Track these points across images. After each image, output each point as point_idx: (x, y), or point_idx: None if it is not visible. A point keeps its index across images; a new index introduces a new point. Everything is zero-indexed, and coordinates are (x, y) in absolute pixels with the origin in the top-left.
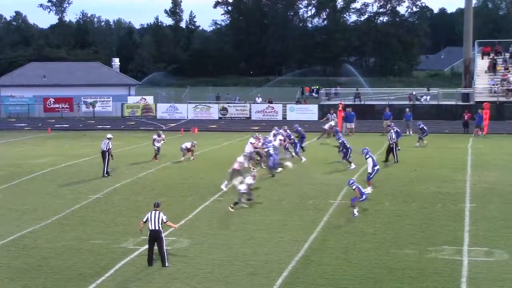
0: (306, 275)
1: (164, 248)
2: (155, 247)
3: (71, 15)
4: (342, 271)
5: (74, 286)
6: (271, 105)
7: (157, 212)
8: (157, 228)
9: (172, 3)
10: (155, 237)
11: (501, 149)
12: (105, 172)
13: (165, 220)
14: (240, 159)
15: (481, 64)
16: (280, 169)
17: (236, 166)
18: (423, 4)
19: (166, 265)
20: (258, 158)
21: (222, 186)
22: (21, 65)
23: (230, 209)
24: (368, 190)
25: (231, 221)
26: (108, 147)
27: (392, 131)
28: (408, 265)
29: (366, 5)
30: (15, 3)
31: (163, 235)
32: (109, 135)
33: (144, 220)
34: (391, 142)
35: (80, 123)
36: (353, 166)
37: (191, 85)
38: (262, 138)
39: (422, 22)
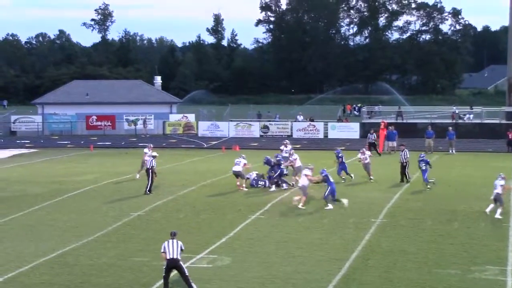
0: None
1: (187, 274)
2: (174, 277)
3: (114, 33)
4: None
5: None
6: (312, 123)
7: (175, 241)
8: (175, 256)
9: (214, 21)
10: (173, 266)
11: None
12: (147, 190)
13: (183, 248)
14: (501, 182)
15: None
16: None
17: (499, 190)
18: (467, 22)
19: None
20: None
21: (487, 210)
22: (64, 83)
23: None
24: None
25: (272, 239)
26: (152, 165)
27: (406, 150)
28: (450, 285)
29: (408, 23)
30: (59, 21)
31: (182, 263)
32: (154, 153)
33: (163, 251)
34: (404, 161)
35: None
36: (273, 188)
37: (232, 103)
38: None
39: (465, 40)
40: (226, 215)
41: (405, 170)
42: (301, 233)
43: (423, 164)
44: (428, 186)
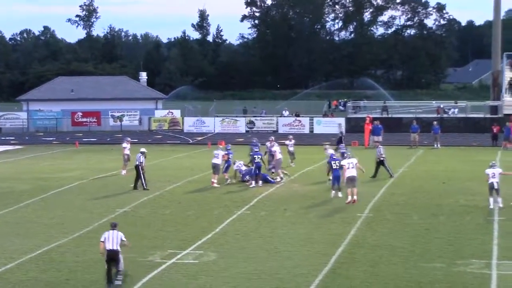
0: None
1: (120, 269)
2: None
3: (99, 29)
4: (370, 285)
5: None
6: (298, 118)
7: (115, 231)
8: (115, 248)
9: (199, 17)
10: (113, 257)
11: None
12: (144, 185)
13: (123, 239)
14: (499, 170)
15: (510, 76)
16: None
17: (498, 179)
18: (451, 17)
19: (119, 283)
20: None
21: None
22: (49, 80)
23: None
24: None
25: (258, 235)
26: (140, 161)
27: (380, 147)
28: (436, 279)
29: (393, 18)
30: (44, 18)
31: (121, 256)
32: (142, 149)
33: (102, 240)
34: (380, 158)
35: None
36: (254, 184)
37: (218, 98)
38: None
39: (450, 34)
40: (212, 210)
41: (385, 166)
42: (287, 228)
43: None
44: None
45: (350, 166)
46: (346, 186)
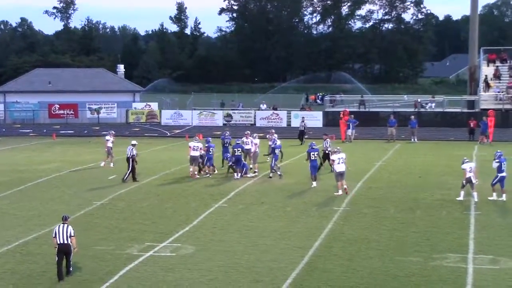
0: (310, 282)
1: (70, 260)
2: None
3: (76, 21)
4: (347, 278)
5: None
6: (275, 111)
7: (65, 225)
8: (66, 242)
9: (177, 9)
10: (65, 251)
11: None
12: (125, 178)
13: (72, 234)
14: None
15: (487, 71)
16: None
17: (473, 173)
18: (429, 11)
19: (70, 275)
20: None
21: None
22: (27, 71)
23: None
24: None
25: (235, 228)
26: (132, 154)
27: (328, 140)
28: (412, 273)
29: (371, 12)
30: (21, 9)
31: (72, 248)
32: (133, 142)
33: (53, 235)
34: (326, 150)
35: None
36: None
37: (195, 91)
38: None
39: (427, 29)
40: (189, 203)
41: (328, 159)
42: (264, 222)
43: (278, 151)
44: (275, 173)
45: (341, 161)
46: (336, 180)
